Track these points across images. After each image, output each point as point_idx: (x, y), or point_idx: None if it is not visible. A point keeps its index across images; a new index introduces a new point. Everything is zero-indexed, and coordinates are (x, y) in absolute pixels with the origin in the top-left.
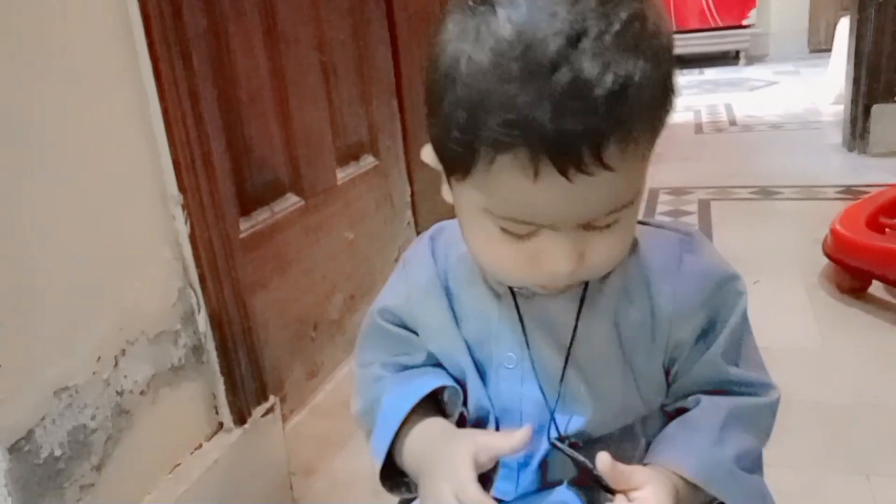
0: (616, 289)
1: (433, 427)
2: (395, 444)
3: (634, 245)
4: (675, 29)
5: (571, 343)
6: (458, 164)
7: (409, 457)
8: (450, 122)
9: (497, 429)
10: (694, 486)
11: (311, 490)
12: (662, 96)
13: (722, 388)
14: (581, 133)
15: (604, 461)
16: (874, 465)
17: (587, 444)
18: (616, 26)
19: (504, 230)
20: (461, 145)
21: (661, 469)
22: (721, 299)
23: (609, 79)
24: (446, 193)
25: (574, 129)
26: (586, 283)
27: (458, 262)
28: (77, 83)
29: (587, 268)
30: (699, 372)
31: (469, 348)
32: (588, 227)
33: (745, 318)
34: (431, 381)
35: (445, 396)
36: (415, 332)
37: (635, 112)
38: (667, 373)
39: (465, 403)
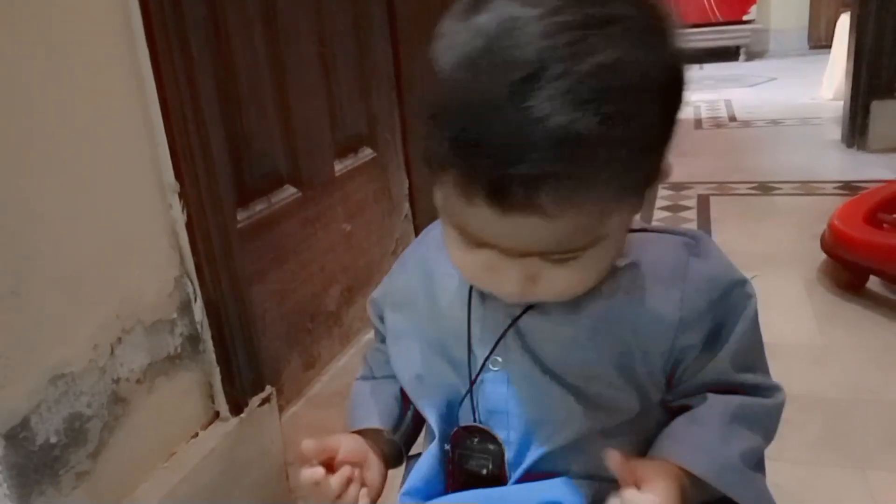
0: (608, 298)
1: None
2: None
3: (636, 256)
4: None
5: (500, 340)
6: (425, 161)
7: None
8: (422, 119)
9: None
10: (699, 482)
11: None
12: (630, 157)
13: (729, 390)
14: (515, 175)
15: (614, 456)
16: (871, 459)
17: (579, 441)
18: (581, 71)
19: (461, 235)
20: (425, 146)
21: (667, 464)
22: (730, 304)
23: (552, 125)
24: None
25: (509, 167)
26: None
27: (447, 260)
28: (75, 71)
29: (542, 293)
30: (708, 376)
31: (446, 347)
32: (545, 258)
33: (754, 322)
34: (367, 418)
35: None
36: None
37: (580, 166)
38: (670, 375)
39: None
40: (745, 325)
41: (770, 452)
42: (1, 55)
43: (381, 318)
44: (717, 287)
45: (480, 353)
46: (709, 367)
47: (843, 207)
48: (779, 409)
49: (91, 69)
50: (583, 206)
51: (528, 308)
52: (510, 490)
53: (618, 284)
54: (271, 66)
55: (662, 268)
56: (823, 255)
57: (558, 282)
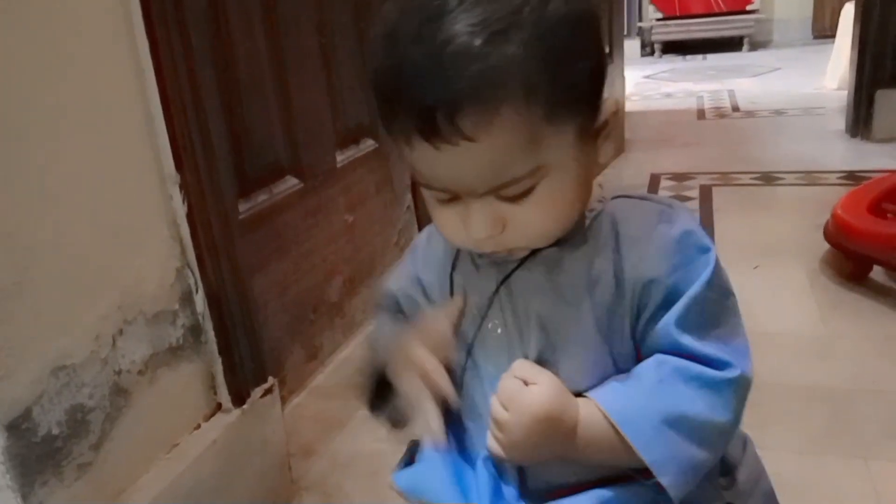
0: (585, 257)
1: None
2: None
3: (612, 216)
4: (678, 14)
5: (493, 295)
6: (387, 135)
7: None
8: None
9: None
10: (620, 438)
11: (309, 471)
12: (536, 73)
13: (674, 354)
14: (434, 102)
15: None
16: (873, 448)
17: None
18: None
19: (430, 192)
20: (380, 119)
21: (582, 398)
22: (690, 269)
23: (455, 48)
24: None
25: (426, 98)
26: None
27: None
28: (75, 62)
29: (512, 236)
30: (653, 339)
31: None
32: (500, 196)
33: (714, 290)
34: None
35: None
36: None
37: (487, 83)
38: (633, 336)
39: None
40: (697, 289)
41: (771, 442)
42: (0, 46)
43: (397, 309)
44: (676, 251)
45: (474, 320)
46: (656, 328)
47: (847, 197)
48: (731, 383)
49: (90, 60)
50: (504, 126)
51: (516, 269)
52: None
53: (593, 241)
54: (272, 57)
55: (630, 228)
56: (826, 246)
57: (524, 221)
